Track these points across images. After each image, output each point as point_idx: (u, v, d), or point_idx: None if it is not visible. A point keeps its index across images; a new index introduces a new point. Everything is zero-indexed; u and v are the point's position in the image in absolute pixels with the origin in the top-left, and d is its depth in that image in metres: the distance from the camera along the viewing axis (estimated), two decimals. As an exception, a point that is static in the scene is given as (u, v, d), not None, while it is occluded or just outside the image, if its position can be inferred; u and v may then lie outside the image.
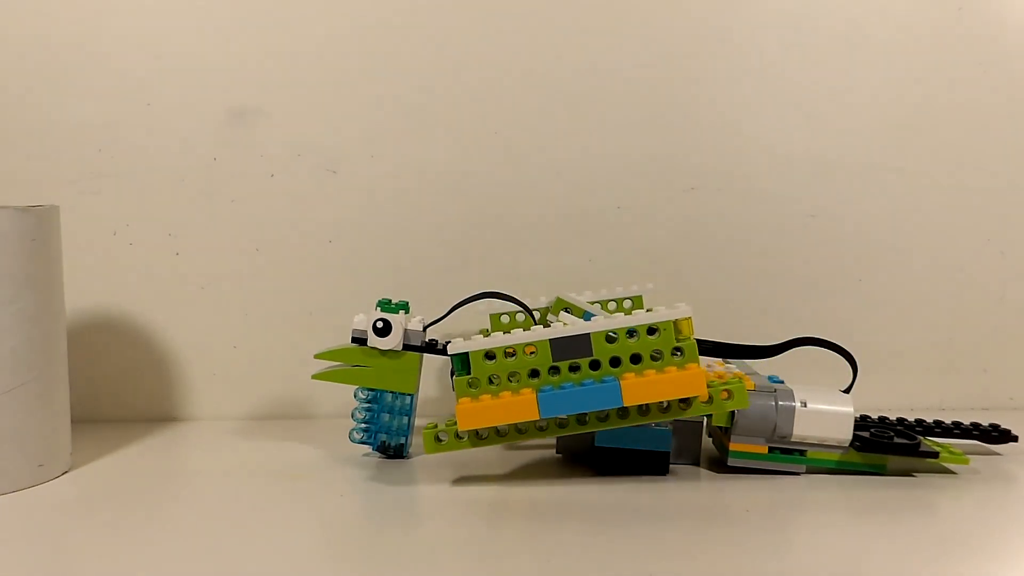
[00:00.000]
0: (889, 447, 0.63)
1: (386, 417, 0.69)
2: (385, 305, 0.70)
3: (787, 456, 0.64)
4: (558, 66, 0.82)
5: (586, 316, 0.63)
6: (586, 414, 0.60)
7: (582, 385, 0.59)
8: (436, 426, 0.62)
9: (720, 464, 0.66)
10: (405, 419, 0.70)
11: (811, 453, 0.64)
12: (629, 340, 0.59)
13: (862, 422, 0.68)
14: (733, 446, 0.64)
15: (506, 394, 0.60)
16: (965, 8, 0.82)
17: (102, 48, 0.82)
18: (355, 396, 0.70)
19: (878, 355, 0.83)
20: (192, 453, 0.74)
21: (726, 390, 0.60)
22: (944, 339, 0.83)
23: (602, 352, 0.59)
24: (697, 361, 0.59)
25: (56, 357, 0.67)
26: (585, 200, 0.83)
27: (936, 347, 0.83)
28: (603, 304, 0.75)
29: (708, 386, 0.59)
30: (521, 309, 0.71)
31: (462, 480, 0.64)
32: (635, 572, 0.49)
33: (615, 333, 0.59)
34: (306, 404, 0.83)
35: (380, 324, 0.68)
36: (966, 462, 0.64)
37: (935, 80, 0.82)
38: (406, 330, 0.68)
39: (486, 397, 0.60)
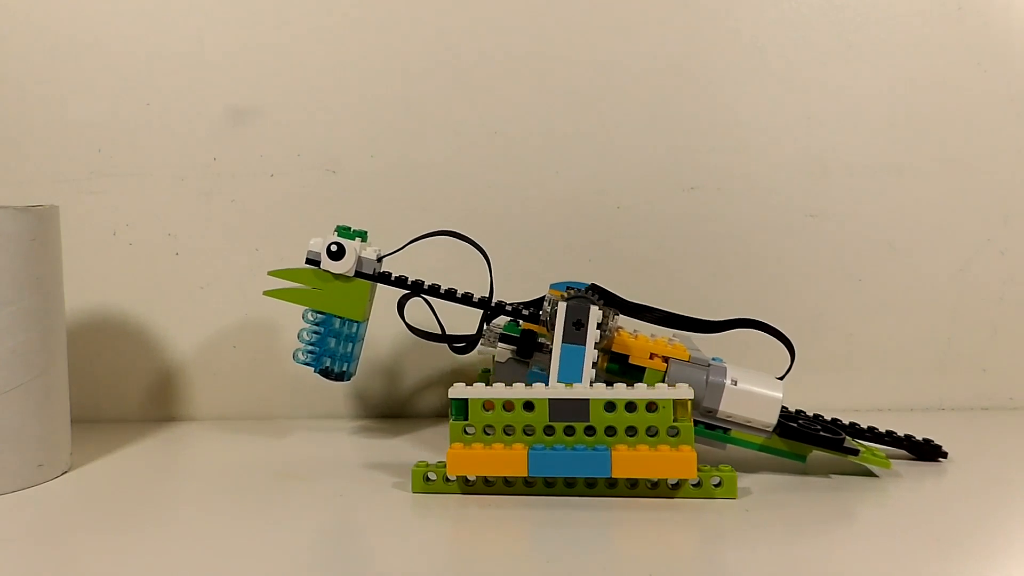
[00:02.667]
0: (812, 437, 0.64)
1: (332, 342, 0.70)
2: (343, 231, 0.70)
3: (710, 432, 0.64)
4: (558, 66, 0.82)
5: None
6: (575, 478, 0.61)
7: (574, 449, 0.59)
8: (426, 465, 0.62)
9: None
10: (351, 346, 0.70)
11: (735, 433, 0.64)
12: (627, 412, 0.60)
13: (794, 415, 0.69)
14: None
15: (498, 446, 0.60)
16: (965, 8, 0.82)
17: (102, 48, 0.82)
18: (304, 317, 0.70)
19: (877, 354, 0.83)
20: (192, 453, 0.74)
21: (717, 476, 0.60)
22: (944, 339, 0.83)
23: (599, 420, 0.60)
24: (692, 444, 0.60)
25: (56, 357, 0.67)
26: (585, 200, 0.83)
27: (936, 347, 0.83)
28: None
29: (699, 470, 0.59)
30: (481, 255, 0.71)
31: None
32: (635, 571, 0.49)
33: (614, 403, 0.60)
34: (306, 405, 0.83)
35: (334, 248, 0.68)
36: (887, 465, 0.64)
37: (935, 80, 0.82)
38: (360, 257, 0.69)
39: (478, 446, 0.60)
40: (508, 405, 0.61)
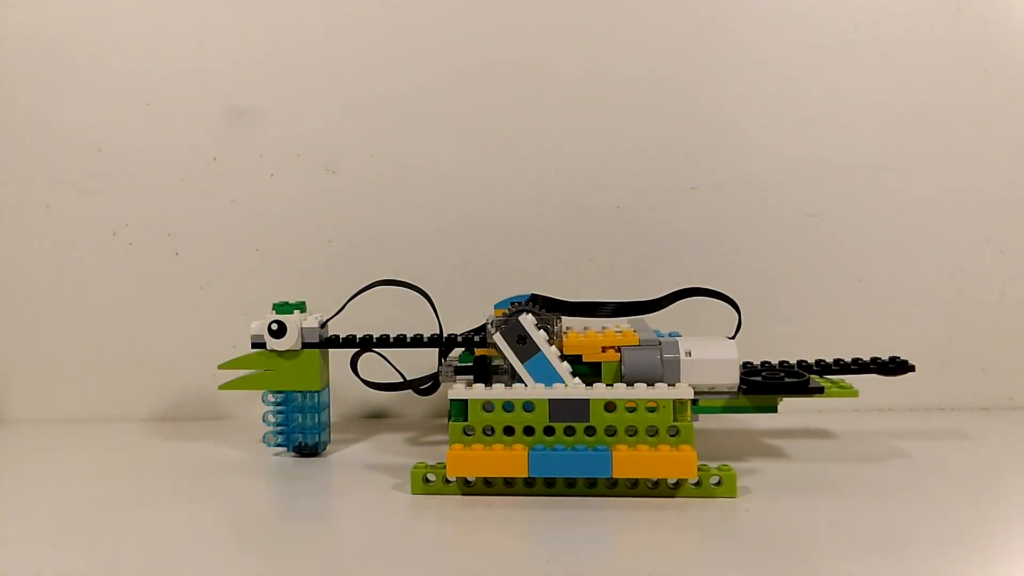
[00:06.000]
0: (776, 387, 0.64)
1: (299, 417, 0.70)
2: (280, 307, 0.70)
3: None
4: (558, 66, 0.82)
5: None
6: (576, 478, 0.61)
7: (574, 449, 0.59)
8: (426, 466, 0.62)
9: None
10: (317, 416, 0.70)
11: (703, 402, 0.64)
12: (627, 412, 0.60)
13: (759, 367, 0.69)
14: None
15: (498, 447, 0.60)
16: (965, 8, 0.81)
17: (102, 48, 0.82)
18: (263, 400, 0.70)
19: (877, 354, 0.83)
20: (193, 453, 0.74)
21: (717, 475, 0.60)
22: (944, 339, 0.83)
23: (599, 420, 0.60)
24: (692, 444, 0.60)
25: None
26: (585, 200, 0.83)
27: (935, 347, 0.83)
28: None
29: (699, 470, 0.59)
30: (421, 295, 0.71)
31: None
32: (635, 571, 0.49)
33: (614, 403, 0.60)
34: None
35: (275, 326, 0.69)
36: (855, 394, 0.65)
37: (935, 80, 0.82)
38: (302, 329, 0.69)
39: (478, 447, 0.60)
40: (508, 406, 0.61)
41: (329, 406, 0.73)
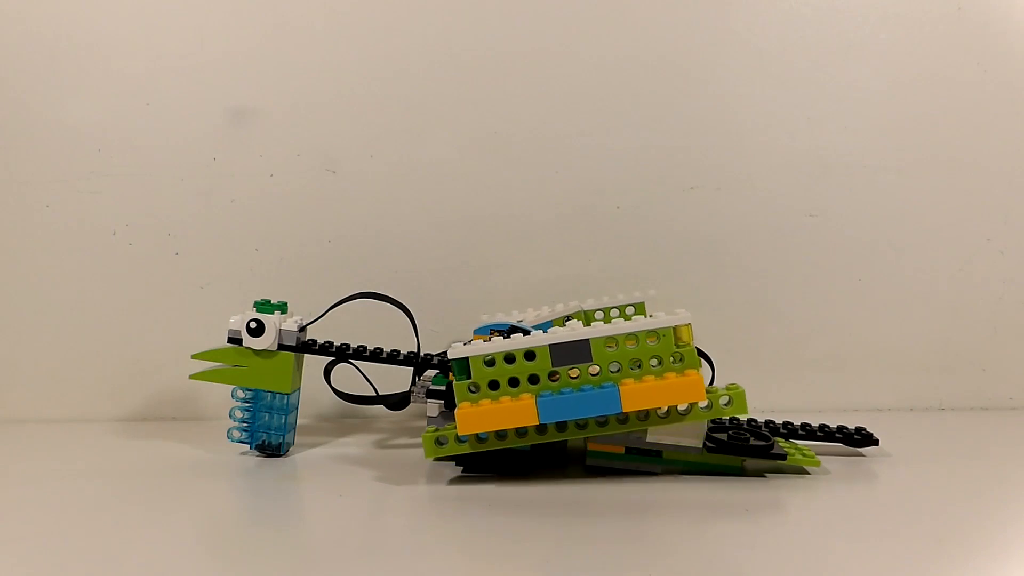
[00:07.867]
0: (741, 449, 0.64)
1: (266, 416, 0.70)
2: (261, 305, 0.70)
3: (643, 456, 0.64)
4: (558, 67, 0.82)
5: None
6: (586, 419, 0.60)
7: (581, 391, 0.59)
8: (436, 430, 0.62)
9: (580, 463, 0.66)
10: (284, 417, 0.70)
11: (667, 454, 0.64)
12: (628, 346, 0.59)
13: (726, 424, 0.68)
14: (591, 446, 0.64)
15: (506, 399, 0.60)
16: (965, 8, 0.82)
17: (102, 48, 0.82)
18: (232, 396, 0.70)
19: (877, 354, 0.83)
20: (198, 452, 0.74)
21: (726, 395, 0.60)
22: (943, 338, 0.83)
23: (601, 358, 0.60)
24: (697, 367, 0.59)
25: None
26: (585, 200, 0.83)
27: (935, 346, 0.83)
28: (606, 311, 0.75)
29: (707, 392, 0.59)
30: (401, 310, 0.71)
31: (462, 480, 0.64)
32: (636, 571, 0.49)
33: (614, 339, 0.60)
34: (307, 404, 0.83)
35: (253, 324, 0.69)
36: (816, 464, 0.65)
37: (935, 80, 0.82)
38: (280, 330, 0.69)
39: (486, 402, 0.60)
40: (509, 357, 0.60)
41: (297, 408, 0.73)
